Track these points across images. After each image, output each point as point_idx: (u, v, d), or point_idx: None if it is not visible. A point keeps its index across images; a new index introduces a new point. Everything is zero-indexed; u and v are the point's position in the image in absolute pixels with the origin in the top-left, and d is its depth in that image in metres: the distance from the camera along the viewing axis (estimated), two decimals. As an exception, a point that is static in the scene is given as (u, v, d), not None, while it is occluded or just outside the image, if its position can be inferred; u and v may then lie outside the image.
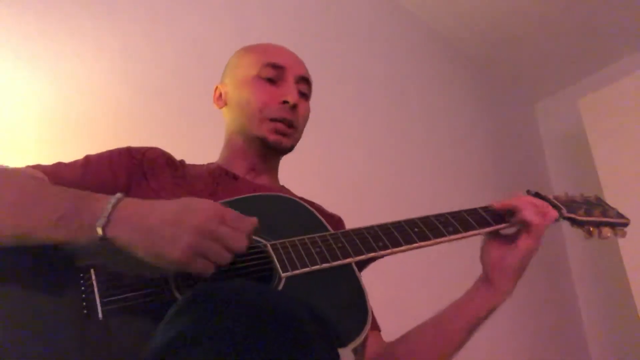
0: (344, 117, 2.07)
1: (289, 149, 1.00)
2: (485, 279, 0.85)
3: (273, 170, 1.06)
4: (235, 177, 0.97)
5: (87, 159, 0.88)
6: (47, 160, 0.85)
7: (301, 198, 1.03)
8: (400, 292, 1.81)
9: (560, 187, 2.95)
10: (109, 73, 1.47)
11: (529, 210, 0.83)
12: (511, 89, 3.23)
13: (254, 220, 0.66)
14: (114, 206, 0.61)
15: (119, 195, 0.64)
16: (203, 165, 1.02)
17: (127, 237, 0.60)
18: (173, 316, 0.52)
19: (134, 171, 0.88)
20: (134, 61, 1.53)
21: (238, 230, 0.63)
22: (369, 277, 0.85)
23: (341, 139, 1.99)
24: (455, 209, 0.86)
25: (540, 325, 2.52)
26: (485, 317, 0.84)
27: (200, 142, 1.21)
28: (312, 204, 1.03)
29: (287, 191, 1.07)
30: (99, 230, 0.60)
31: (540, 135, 3.30)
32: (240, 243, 0.63)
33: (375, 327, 0.95)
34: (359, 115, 2.15)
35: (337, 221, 1.03)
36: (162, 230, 0.60)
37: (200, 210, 0.62)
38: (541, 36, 2.85)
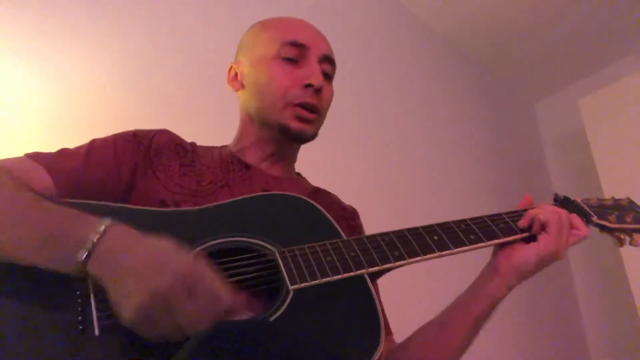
0: (344, 117, 2.07)
1: (312, 137, 0.92)
2: (493, 268, 0.80)
3: (290, 159, 0.99)
4: (247, 167, 0.91)
5: (92, 144, 0.83)
6: (48, 159, 0.84)
7: (317, 188, 1.00)
8: (404, 289, 1.81)
9: (560, 187, 2.95)
10: (109, 73, 1.47)
11: (554, 226, 0.78)
12: (511, 89, 3.23)
13: (233, 302, 0.59)
14: (101, 235, 0.57)
15: (107, 222, 0.59)
16: (215, 149, 0.96)
17: (101, 277, 0.56)
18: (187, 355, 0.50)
19: (140, 159, 0.83)
20: (134, 61, 1.53)
21: (201, 310, 0.55)
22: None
23: (340, 139, 1.99)
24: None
25: (539, 325, 2.52)
26: (490, 312, 0.79)
27: (200, 142, 1.21)
28: (328, 194, 1.00)
29: (303, 180, 1.02)
30: (79, 264, 0.56)
31: (540, 135, 3.30)
32: (195, 326, 0.54)
33: (387, 331, 0.90)
34: (358, 115, 2.15)
35: (352, 214, 0.99)
36: (126, 279, 0.55)
37: (171, 271, 0.55)
38: (541, 36, 2.85)
